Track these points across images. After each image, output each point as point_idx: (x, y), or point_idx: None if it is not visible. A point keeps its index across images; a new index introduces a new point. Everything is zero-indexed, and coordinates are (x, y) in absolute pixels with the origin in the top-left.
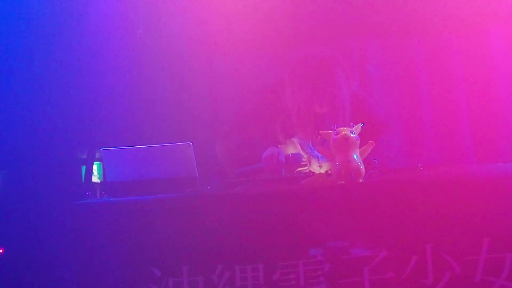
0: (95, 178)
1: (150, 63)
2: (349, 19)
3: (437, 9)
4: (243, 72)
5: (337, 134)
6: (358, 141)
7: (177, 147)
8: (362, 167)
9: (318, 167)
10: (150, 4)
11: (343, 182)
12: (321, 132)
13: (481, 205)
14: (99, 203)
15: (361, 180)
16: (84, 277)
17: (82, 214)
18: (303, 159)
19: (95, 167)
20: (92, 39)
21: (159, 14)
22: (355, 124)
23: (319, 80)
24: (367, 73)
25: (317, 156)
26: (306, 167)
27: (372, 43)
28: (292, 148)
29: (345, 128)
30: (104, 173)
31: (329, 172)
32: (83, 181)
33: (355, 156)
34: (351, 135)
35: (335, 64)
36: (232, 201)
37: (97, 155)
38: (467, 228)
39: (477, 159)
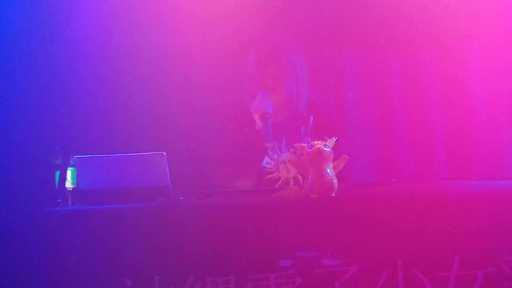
0: (69, 184)
1: (126, 71)
2: (326, 32)
3: (414, 25)
4: (219, 82)
5: (310, 147)
6: (332, 155)
7: (151, 156)
8: (335, 181)
9: (286, 172)
10: (128, 12)
11: (315, 196)
12: (294, 145)
13: (453, 222)
14: (70, 211)
15: (333, 194)
16: (53, 286)
17: (53, 222)
18: (270, 166)
19: (69, 172)
20: (69, 46)
21: (137, 22)
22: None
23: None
24: (342, 87)
25: (284, 162)
26: (275, 173)
27: (347, 57)
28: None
29: (319, 142)
30: (76, 181)
31: (300, 182)
32: (56, 186)
33: (328, 170)
34: (325, 148)
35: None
36: (204, 212)
37: (71, 161)
38: (439, 245)
39: (450, 176)
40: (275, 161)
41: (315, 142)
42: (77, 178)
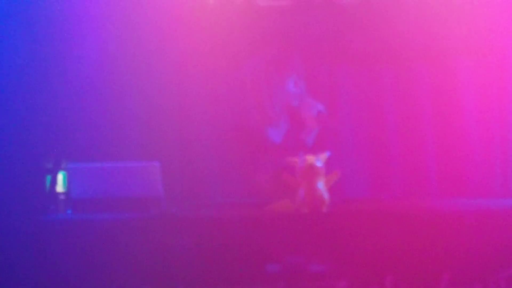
0: (60, 188)
1: (120, 81)
2: (321, 46)
3: (407, 41)
4: (214, 93)
5: (303, 162)
6: (324, 170)
7: (144, 167)
8: (327, 196)
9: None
10: (122, 21)
11: (306, 211)
12: (286, 159)
13: (442, 239)
14: (62, 220)
15: (324, 209)
16: None
17: (44, 230)
18: None
19: (60, 177)
20: (63, 53)
21: (131, 30)
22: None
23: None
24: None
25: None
26: None
27: (340, 73)
28: None
29: (311, 157)
30: (68, 189)
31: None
32: (47, 190)
33: (320, 185)
34: (317, 164)
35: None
36: (196, 224)
37: (62, 165)
38: (427, 262)
39: (441, 193)
40: None
41: (307, 157)
42: (70, 186)
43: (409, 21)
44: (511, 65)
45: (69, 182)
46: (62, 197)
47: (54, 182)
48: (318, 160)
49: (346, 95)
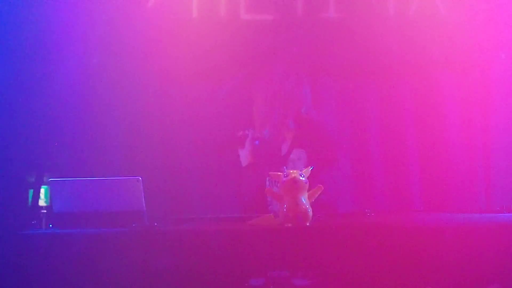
0: (42, 202)
1: (103, 94)
2: (304, 60)
3: (390, 54)
4: (198, 108)
5: (286, 176)
6: (307, 184)
7: (126, 181)
8: (310, 210)
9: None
10: (104, 37)
11: (290, 225)
12: (270, 173)
13: (425, 254)
14: (44, 234)
15: (308, 224)
16: None
17: (26, 244)
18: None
19: (42, 190)
20: (46, 66)
21: (113, 45)
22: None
23: None
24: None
25: None
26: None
27: (324, 85)
28: None
29: (295, 171)
30: (51, 204)
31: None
32: (29, 205)
33: (303, 199)
34: (300, 178)
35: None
36: (178, 238)
37: (44, 179)
38: (410, 276)
39: (424, 207)
40: None
41: (291, 171)
42: (52, 200)
43: (392, 35)
44: (494, 79)
45: (51, 196)
46: (44, 211)
47: (36, 196)
48: (302, 174)
49: (329, 109)
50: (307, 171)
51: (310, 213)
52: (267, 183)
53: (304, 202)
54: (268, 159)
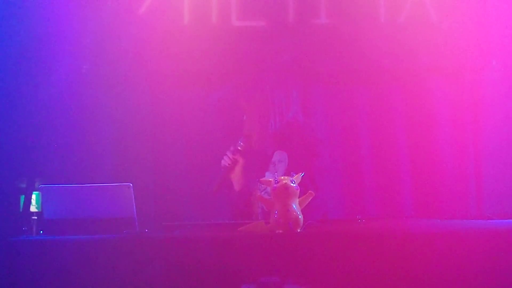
0: (33, 208)
1: (93, 101)
2: (294, 66)
3: (380, 61)
4: (187, 114)
5: (277, 182)
6: (298, 191)
7: (117, 188)
8: (301, 216)
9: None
10: (95, 43)
11: (281, 231)
12: (261, 179)
13: (416, 260)
14: (35, 240)
15: (299, 230)
16: None
17: (17, 251)
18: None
19: (33, 197)
20: (38, 72)
21: (107, 49)
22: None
23: None
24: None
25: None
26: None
27: (314, 93)
28: None
29: (286, 177)
30: (42, 210)
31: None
32: (20, 211)
33: (294, 206)
34: (291, 184)
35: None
36: (169, 245)
37: (35, 185)
38: (402, 282)
39: (415, 214)
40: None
41: (282, 178)
42: (43, 207)
43: (383, 41)
44: (485, 85)
45: (42, 203)
46: (35, 217)
47: (27, 202)
48: (293, 181)
49: (319, 116)
50: (298, 177)
51: (301, 219)
52: (258, 190)
53: (295, 208)
54: (252, 164)
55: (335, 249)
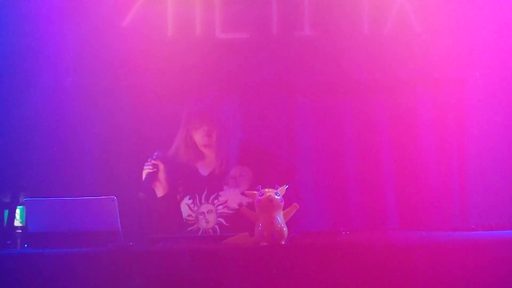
0: (18, 222)
1: (77, 113)
2: (278, 77)
3: (365, 72)
4: (171, 126)
5: (261, 195)
6: (282, 203)
7: (101, 201)
8: (285, 229)
9: (205, 223)
10: (80, 53)
11: (265, 244)
12: (245, 192)
13: (400, 272)
14: (19, 254)
15: (283, 242)
16: None
17: (2, 265)
18: (191, 218)
19: (17, 210)
20: (20, 85)
21: (89, 62)
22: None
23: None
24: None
25: (203, 213)
26: (195, 225)
27: (299, 104)
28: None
29: (270, 190)
30: (26, 223)
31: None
32: (5, 224)
33: (278, 218)
34: (276, 196)
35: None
36: (154, 258)
37: (20, 199)
38: None
39: (400, 226)
40: (195, 213)
41: (266, 190)
42: (27, 220)
43: (367, 53)
44: (469, 97)
45: (27, 216)
46: (19, 231)
47: (11, 216)
48: (277, 193)
49: (303, 127)
50: (282, 189)
51: (286, 231)
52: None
53: (280, 220)
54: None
55: (320, 261)
